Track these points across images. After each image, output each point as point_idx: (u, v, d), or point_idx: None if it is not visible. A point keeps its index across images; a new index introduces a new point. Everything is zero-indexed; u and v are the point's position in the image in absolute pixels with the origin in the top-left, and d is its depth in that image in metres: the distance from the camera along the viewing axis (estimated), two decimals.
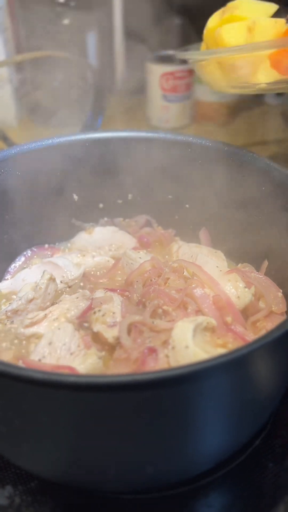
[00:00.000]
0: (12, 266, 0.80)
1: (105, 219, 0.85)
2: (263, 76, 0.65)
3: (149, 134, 0.76)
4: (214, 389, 0.42)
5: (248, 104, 1.49)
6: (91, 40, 1.37)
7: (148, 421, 0.43)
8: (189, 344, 0.55)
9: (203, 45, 0.74)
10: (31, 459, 0.52)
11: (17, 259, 0.80)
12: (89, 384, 0.38)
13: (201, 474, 0.56)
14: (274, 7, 0.67)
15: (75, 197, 0.81)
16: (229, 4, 0.68)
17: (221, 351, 0.57)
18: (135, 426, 0.43)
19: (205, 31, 0.71)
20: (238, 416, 0.49)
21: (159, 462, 0.49)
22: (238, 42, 0.64)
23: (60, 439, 0.47)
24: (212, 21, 0.70)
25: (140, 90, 1.43)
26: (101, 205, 0.83)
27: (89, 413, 0.42)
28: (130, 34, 1.44)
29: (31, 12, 1.28)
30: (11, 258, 0.79)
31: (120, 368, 0.57)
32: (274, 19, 0.65)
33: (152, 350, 0.58)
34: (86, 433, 0.45)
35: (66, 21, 1.27)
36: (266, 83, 0.66)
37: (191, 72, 1.32)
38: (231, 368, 0.40)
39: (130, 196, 0.82)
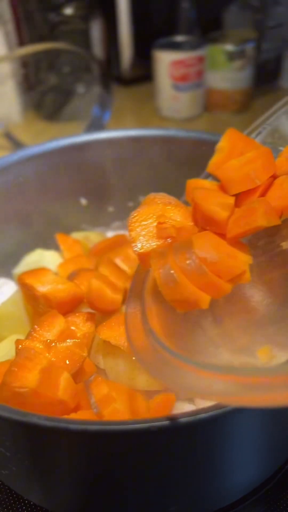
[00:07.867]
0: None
1: (117, 223, 0.80)
2: None
3: (160, 132, 0.70)
4: (244, 426, 0.38)
5: (263, 89, 1.42)
6: (95, 30, 1.31)
7: (174, 460, 0.39)
8: None
9: None
10: (44, 496, 0.49)
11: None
12: (109, 431, 0.34)
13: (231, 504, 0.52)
14: None
15: (83, 201, 0.76)
16: None
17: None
18: (160, 465, 0.39)
19: None
20: (268, 450, 0.45)
21: (181, 501, 0.45)
22: None
23: (76, 479, 0.43)
24: None
25: (148, 79, 1.38)
26: (111, 209, 0.79)
27: (106, 456, 0.38)
28: (137, 21, 1.37)
29: (32, 4, 1.23)
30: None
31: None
32: None
33: None
34: (105, 474, 0.41)
35: (68, 11, 1.21)
36: None
37: (201, 59, 1.26)
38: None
39: (141, 198, 0.77)
